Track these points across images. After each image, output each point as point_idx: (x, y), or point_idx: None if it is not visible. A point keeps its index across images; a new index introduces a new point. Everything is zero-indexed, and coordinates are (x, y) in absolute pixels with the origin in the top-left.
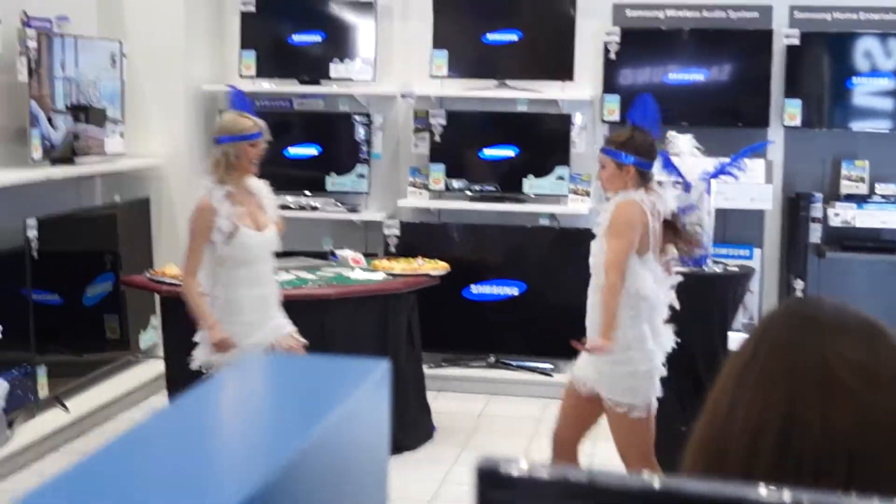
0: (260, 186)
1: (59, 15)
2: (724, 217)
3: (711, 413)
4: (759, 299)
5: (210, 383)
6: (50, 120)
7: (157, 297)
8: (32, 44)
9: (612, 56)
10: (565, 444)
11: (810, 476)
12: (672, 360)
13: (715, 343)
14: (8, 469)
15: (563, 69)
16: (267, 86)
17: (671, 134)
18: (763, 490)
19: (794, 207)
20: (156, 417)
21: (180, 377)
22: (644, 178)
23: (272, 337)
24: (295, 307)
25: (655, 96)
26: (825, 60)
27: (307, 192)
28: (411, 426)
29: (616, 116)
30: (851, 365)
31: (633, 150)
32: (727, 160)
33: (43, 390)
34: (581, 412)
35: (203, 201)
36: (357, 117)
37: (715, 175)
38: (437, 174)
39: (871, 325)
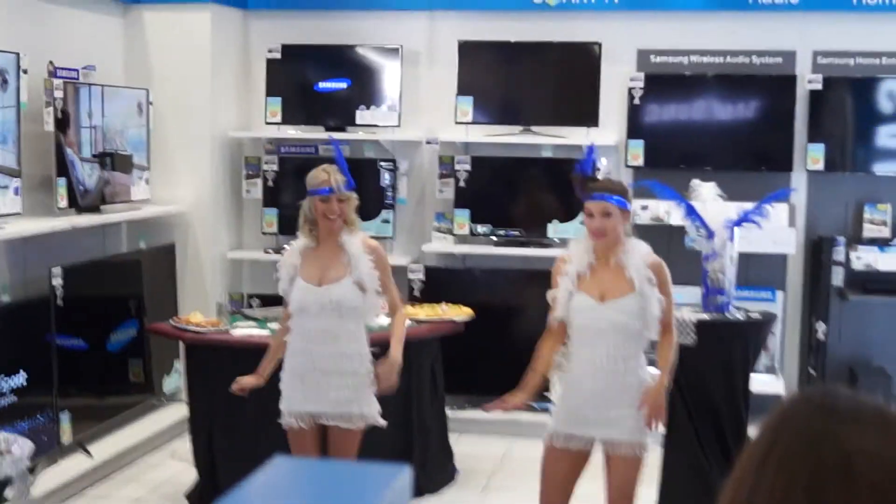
0: (353, 243)
1: (86, 64)
2: (746, 260)
3: (734, 491)
4: (780, 342)
5: (239, 491)
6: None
7: (181, 344)
8: (59, 94)
9: (636, 101)
10: None
11: None
12: (694, 406)
13: (737, 389)
14: None
15: (587, 115)
16: (293, 132)
17: (695, 182)
18: None
19: (817, 251)
20: None
21: (203, 421)
22: None
23: (324, 408)
24: None
25: (679, 141)
26: (848, 104)
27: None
28: (433, 469)
29: (640, 161)
30: (871, 457)
31: (630, 200)
32: (750, 206)
33: (66, 435)
34: (573, 474)
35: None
36: (382, 163)
37: (738, 223)
38: (462, 219)
39: (885, 413)
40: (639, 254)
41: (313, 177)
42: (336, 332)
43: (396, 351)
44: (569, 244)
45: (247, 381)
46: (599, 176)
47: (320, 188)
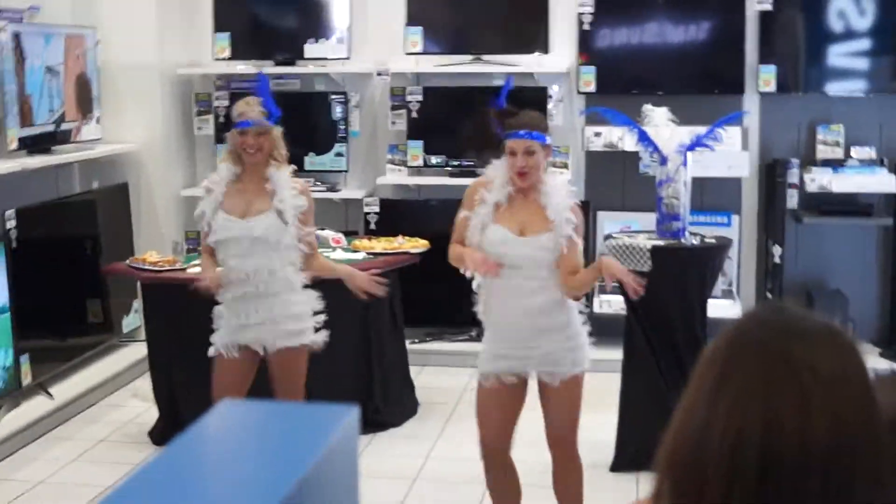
0: (280, 177)
1: (31, 5)
2: (701, 185)
3: (684, 423)
4: (736, 266)
5: (192, 432)
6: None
7: (138, 283)
8: (4, 35)
9: (587, 26)
10: (500, 452)
11: (790, 488)
12: (652, 333)
13: (694, 314)
14: None
15: (538, 42)
16: (242, 67)
17: (647, 107)
18: None
19: (771, 174)
20: (142, 472)
21: (163, 360)
22: None
23: (259, 335)
24: None
25: (631, 65)
26: (798, 24)
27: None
28: (395, 403)
29: (592, 87)
30: (823, 373)
31: (549, 132)
32: (703, 130)
33: (26, 378)
34: (514, 409)
35: (204, 182)
36: (333, 96)
37: (691, 147)
38: (416, 150)
39: (832, 329)
40: (560, 193)
41: (235, 109)
42: (260, 266)
43: (343, 268)
44: (487, 167)
45: (209, 278)
46: (555, 103)
47: (239, 121)
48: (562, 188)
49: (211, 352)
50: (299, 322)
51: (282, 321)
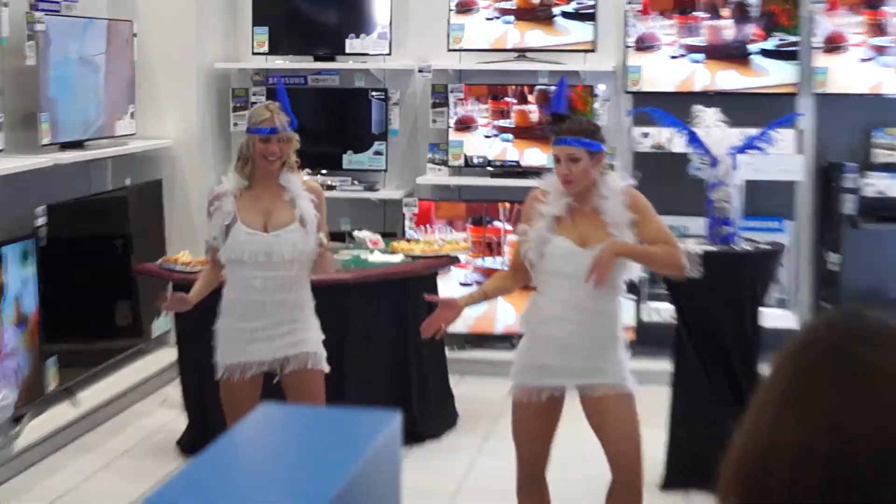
0: (296, 184)
1: None
2: (754, 189)
3: (750, 436)
4: (794, 273)
5: (230, 437)
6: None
7: (170, 285)
8: (41, 27)
9: (635, 24)
10: (538, 472)
11: (861, 497)
12: (703, 343)
13: (747, 324)
14: (20, 465)
15: (585, 39)
16: (281, 63)
17: (697, 108)
18: None
19: (826, 178)
20: (180, 477)
21: (193, 366)
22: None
23: (276, 355)
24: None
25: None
26: None
27: (323, 171)
28: (433, 413)
29: (640, 86)
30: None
31: (602, 140)
32: (755, 132)
33: (52, 383)
34: (553, 425)
35: (214, 190)
36: (374, 93)
37: (743, 150)
38: (457, 150)
39: None
40: (616, 195)
41: (255, 114)
42: (283, 279)
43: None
44: (544, 176)
45: (176, 300)
46: (602, 102)
47: (262, 127)
48: (616, 190)
49: (220, 374)
50: (316, 343)
51: (300, 340)
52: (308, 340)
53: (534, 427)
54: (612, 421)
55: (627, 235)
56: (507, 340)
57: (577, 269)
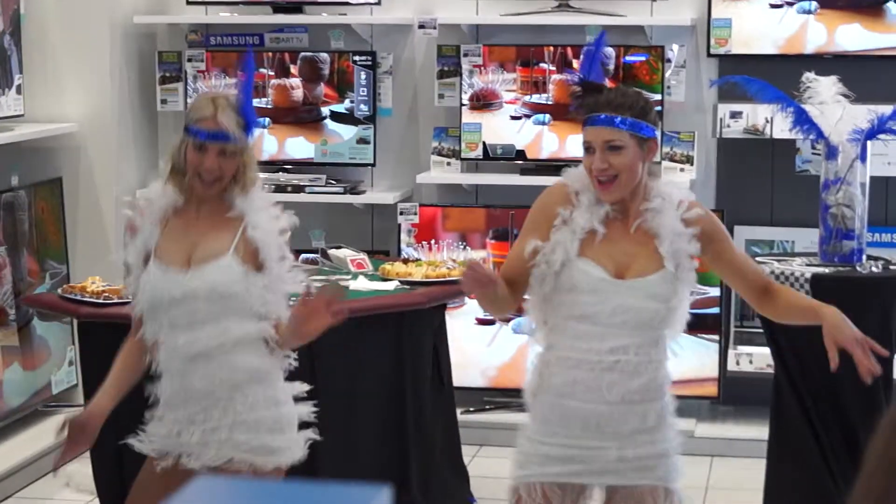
0: (249, 206)
1: None
2: (885, 189)
3: (867, 490)
4: None
5: None
6: None
7: (74, 323)
8: None
9: None
10: None
11: None
12: (813, 399)
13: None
14: None
15: None
16: (226, 15)
17: (808, 76)
18: None
19: None
20: None
21: (109, 433)
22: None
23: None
24: None
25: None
26: None
27: (288, 167)
28: (440, 496)
29: (729, 47)
30: None
31: (655, 121)
32: (889, 110)
33: None
34: None
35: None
36: (357, 58)
37: (871, 135)
38: (473, 136)
39: None
40: (672, 209)
41: (194, 107)
42: (220, 336)
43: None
44: (566, 171)
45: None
46: (675, 70)
47: (197, 128)
48: (673, 200)
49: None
50: (275, 432)
51: (244, 430)
52: (256, 435)
53: None
54: None
55: (685, 272)
56: None
57: (608, 310)
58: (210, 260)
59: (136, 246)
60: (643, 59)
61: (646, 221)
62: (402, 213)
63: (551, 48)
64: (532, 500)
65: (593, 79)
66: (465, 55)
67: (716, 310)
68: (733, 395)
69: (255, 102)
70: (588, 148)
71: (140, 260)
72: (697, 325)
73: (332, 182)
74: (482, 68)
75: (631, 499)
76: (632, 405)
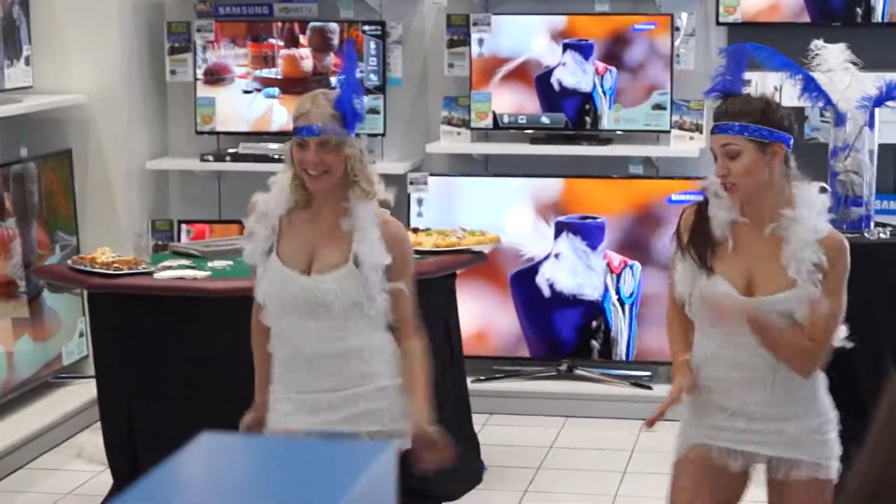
0: (362, 215)
1: None
2: (893, 157)
3: (871, 465)
4: None
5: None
6: None
7: (84, 294)
8: None
9: None
10: None
11: None
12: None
13: (882, 341)
14: None
15: None
16: None
17: (817, 44)
18: None
19: None
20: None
21: (119, 405)
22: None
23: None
24: None
25: None
26: None
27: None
28: (451, 466)
29: (738, 15)
30: None
31: (782, 124)
32: None
33: None
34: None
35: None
36: (366, 27)
37: (881, 101)
38: (483, 106)
39: None
40: (810, 219)
41: (296, 107)
42: (333, 333)
43: (421, 412)
44: (706, 179)
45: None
46: (684, 39)
47: (298, 125)
48: (813, 209)
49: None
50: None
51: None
52: (384, 409)
53: (698, 500)
54: None
55: (808, 287)
56: (553, 366)
57: (738, 324)
58: (331, 269)
59: (259, 241)
60: (652, 27)
61: (780, 228)
62: (412, 183)
63: (564, 16)
64: (696, 460)
65: (729, 88)
66: (476, 24)
67: None
68: None
69: (266, 73)
70: (713, 155)
71: (262, 252)
72: None
73: None
74: (492, 37)
75: (795, 471)
76: (780, 391)
